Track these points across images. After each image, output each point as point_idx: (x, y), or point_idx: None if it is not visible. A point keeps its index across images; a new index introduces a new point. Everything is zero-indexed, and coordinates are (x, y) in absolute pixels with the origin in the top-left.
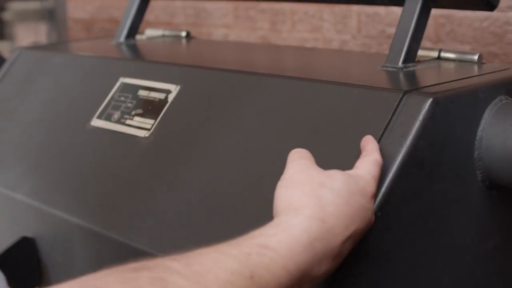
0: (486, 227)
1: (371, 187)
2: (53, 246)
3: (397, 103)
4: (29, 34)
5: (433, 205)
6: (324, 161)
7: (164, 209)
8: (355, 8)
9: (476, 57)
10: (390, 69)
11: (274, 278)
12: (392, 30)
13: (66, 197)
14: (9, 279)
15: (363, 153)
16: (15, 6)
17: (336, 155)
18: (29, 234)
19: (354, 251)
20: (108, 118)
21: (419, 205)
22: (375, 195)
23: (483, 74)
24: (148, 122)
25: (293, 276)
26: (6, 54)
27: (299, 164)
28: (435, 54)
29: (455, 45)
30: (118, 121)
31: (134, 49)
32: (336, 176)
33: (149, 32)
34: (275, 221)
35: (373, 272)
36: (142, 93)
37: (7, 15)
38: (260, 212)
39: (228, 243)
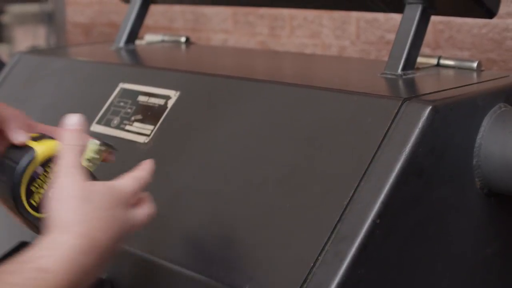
0: (485, 234)
1: (131, 199)
2: None
3: (396, 110)
4: (27, 38)
5: (432, 212)
6: (323, 169)
7: (163, 214)
8: (354, 14)
9: (475, 65)
10: (389, 76)
11: None
12: (391, 36)
13: None
14: None
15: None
16: (14, 9)
17: (335, 162)
18: (27, 238)
19: (353, 258)
20: (108, 124)
21: (418, 212)
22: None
23: (482, 82)
24: (147, 128)
25: None
26: (4, 57)
27: (68, 174)
28: (434, 61)
29: (454, 51)
30: (118, 127)
31: (134, 55)
32: (99, 190)
33: (149, 37)
34: (47, 239)
35: (372, 278)
36: (141, 98)
37: (5, 18)
38: (259, 216)
39: (10, 272)
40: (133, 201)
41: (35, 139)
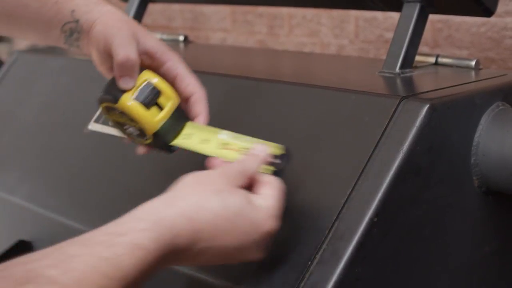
0: (483, 233)
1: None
2: None
3: (394, 109)
4: None
5: (430, 211)
6: (321, 167)
7: None
8: (353, 12)
9: (473, 63)
10: (387, 74)
11: (143, 274)
12: (390, 35)
13: (63, 201)
14: None
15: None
16: None
17: (332, 161)
18: (26, 237)
19: (350, 256)
20: (106, 122)
21: (416, 210)
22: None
23: (480, 80)
24: None
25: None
26: (4, 56)
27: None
28: (432, 59)
29: (453, 50)
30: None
31: None
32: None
33: None
34: (147, 210)
35: (369, 277)
36: None
37: None
38: None
39: (100, 242)
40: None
41: None
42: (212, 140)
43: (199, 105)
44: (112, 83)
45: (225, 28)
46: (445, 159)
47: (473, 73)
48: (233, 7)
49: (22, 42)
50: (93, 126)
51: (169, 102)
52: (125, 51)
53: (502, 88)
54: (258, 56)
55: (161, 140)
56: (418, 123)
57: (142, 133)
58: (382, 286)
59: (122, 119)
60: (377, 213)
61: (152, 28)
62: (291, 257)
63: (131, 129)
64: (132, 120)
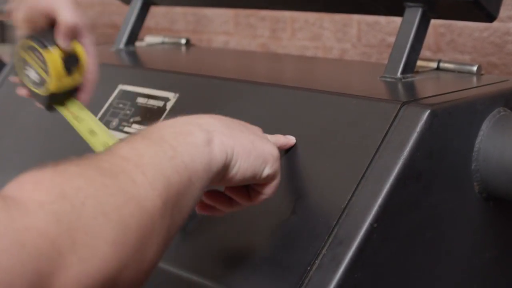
0: (483, 239)
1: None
2: None
3: (394, 114)
4: None
5: (430, 217)
6: (321, 172)
7: None
8: (356, 17)
9: (475, 68)
10: (388, 79)
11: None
12: (392, 39)
13: None
14: None
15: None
16: None
17: (332, 166)
18: None
19: (349, 262)
20: (107, 125)
21: (416, 216)
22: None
23: (482, 86)
24: None
25: None
26: (7, 57)
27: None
28: (434, 64)
29: (455, 55)
30: (117, 129)
31: (133, 56)
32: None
33: (149, 39)
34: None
35: (368, 283)
36: (140, 100)
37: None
38: (257, 220)
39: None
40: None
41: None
42: (98, 134)
43: (88, 86)
44: (49, 33)
45: (227, 31)
46: (446, 164)
47: (474, 78)
48: (236, 10)
49: None
50: None
51: (80, 76)
52: (75, 16)
53: (503, 94)
54: (259, 60)
55: (52, 99)
56: (418, 128)
57: (41, 83)
58: None
59: (33, 62)
60: (377, 218)
61: (154, 30)
62: (291, 262)
63: (32, 73)
64: (44, 69)
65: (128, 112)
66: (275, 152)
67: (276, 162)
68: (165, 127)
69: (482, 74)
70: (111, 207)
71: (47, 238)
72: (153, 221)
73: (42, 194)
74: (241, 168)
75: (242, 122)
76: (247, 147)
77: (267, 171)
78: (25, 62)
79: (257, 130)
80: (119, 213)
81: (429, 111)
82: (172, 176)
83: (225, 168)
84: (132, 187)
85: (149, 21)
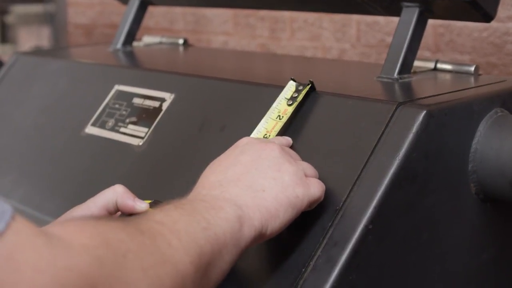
0: (480, 240)
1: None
2: None
3: (390, 114)
4: (31, 38)
5: (426, 218)
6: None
7: None
8: (355, 17)
9: (472, 69)
10: (385, 80)
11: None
12: (391, 39)
13: (59, 204)
14: None
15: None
16: (18, 10)
17: (327, 166)
18: None
19: (344, 264)
20: (103, 126)
21: (412, 217)
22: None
23: (479, 86)
24: (142, 130)
25: None
26: (7, 57)
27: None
28: (431, 65)
29: (454, 55)
30: (112, 129)
31: (131, 56)
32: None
33: (147, 39)
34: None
35: (364, 285)
36: (136, 101)
37: (9, 19)
38: None
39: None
40: None
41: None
42: None
43: None
44: None
45: (227, 31)
46: (442, 165)
47: (472, 79)
48: (235, 10)
49: (26, 43)
50: (90, 130)
51: None
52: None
53: (500, 94)
54: (256, 61)
55: None
56: (414, 129)
57: None
58: None
59: None
60: (372, 220)
61: (154, 30)
62: (285, 264)
63: None
64: None
65: (124, 112)
66: (306, 189)
67: (312, 191)
68: (196, 201)
69: (479, 75)
70: (149, 264)
71: (88, 280)
72: (184, 285)
73: (86, 238)
74: (274, 228)
75: (269, 158)
76: (273, 209)
77: (305, 207)
78: None
79: (286, 164)
80: (156, 272)
81: (425, 111)
82: (204, 246)
83: (258, 237)
84: (168, 249)
85: (149, 21)
